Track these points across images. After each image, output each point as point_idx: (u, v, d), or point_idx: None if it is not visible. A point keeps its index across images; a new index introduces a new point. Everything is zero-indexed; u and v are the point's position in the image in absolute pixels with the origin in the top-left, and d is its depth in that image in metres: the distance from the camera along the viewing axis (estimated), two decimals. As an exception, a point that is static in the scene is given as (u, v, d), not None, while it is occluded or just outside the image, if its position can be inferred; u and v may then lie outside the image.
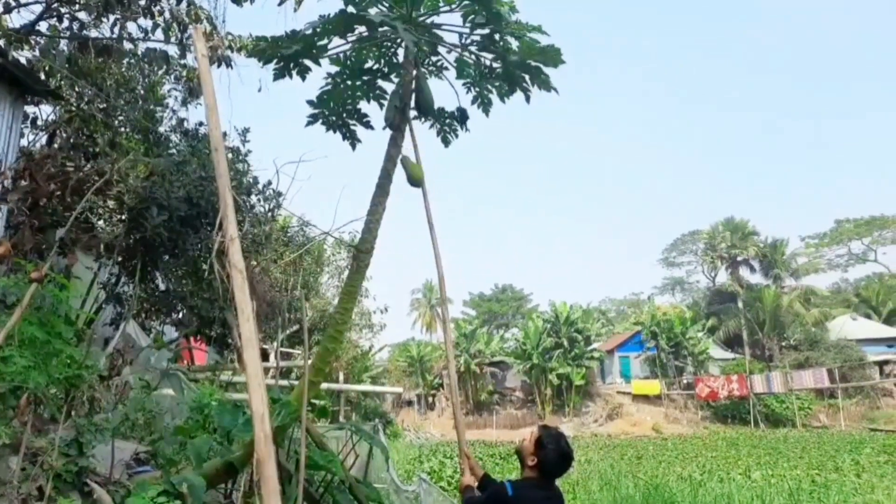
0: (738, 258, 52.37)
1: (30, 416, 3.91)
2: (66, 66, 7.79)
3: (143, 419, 5.44)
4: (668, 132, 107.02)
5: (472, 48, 3.92)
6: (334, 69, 4.06)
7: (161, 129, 9.20)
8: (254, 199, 9.56)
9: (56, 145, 6.25)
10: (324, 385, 15.10)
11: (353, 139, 4.36)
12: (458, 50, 3.97)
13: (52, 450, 3.74)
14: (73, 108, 7.42)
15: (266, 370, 15.01)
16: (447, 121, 4.35)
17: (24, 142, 7.79)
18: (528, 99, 3.92)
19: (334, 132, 4.28)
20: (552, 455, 3.10)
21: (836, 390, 36.92)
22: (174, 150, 8.82)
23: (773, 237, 52.07)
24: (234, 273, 1.35)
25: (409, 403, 47.29)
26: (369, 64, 4.14)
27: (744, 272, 52.72)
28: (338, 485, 4.39)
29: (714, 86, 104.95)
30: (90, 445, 4.15)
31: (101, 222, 8.12)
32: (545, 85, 3.81)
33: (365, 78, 4.16)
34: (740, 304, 48.98)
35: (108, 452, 4.42)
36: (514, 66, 3.76)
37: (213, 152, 1.55)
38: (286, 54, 3.79)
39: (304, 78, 3.96)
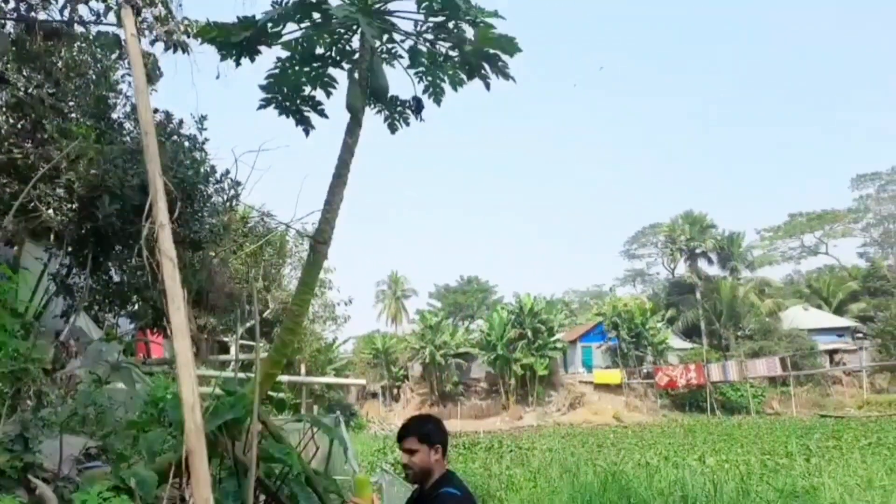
0: (697, 250, 53.69)
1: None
2: (13, 49, 7.47)
3: (94, 413, 5.30)
4: (629, 126, 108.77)
5: (428, 35, 3.90)
6: (285, 54, 4.00)
7: (114, 116, 8.92)
8: (211, 188, 9.37)
9: None
10: (285, 378, 14.93)
11: (306, 125, 4.31)
12: (414, 38, 3.94)
13: (-6, 446, 3.61)
14: (20, 93, 7.14)
15: (227, 363, 14.79)
16: (398, 108, 4.33)
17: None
18: (487, 87, 3.92)
19: (287, 117, 4.22)
20: (442, 432, 2.88)
21: (788, 378, 38.21)
22: (128, 138, 8.56)
23: (731, 230, 53.61)
24: (164, 261, 1.31)
25: (374, 395, 47.23)
26: (319, 51, 4.09)
27: (702, 264, 54.15)
28: (295, 477, 4.35)
29: (676, 81, 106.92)
30: (36, 440, 4.02)
31: (50, 211, 7.84)
32: (503, 73, 3.82)
33: (315, 65, 4.10)
34: (698, 296, 50.26)
35: (57, 448, 4.29)
36: (471, 54, 3.76)
37: (143, 136, 1.50)
38: (236, 41, 3.72)
39: (252, 60, 3.90)
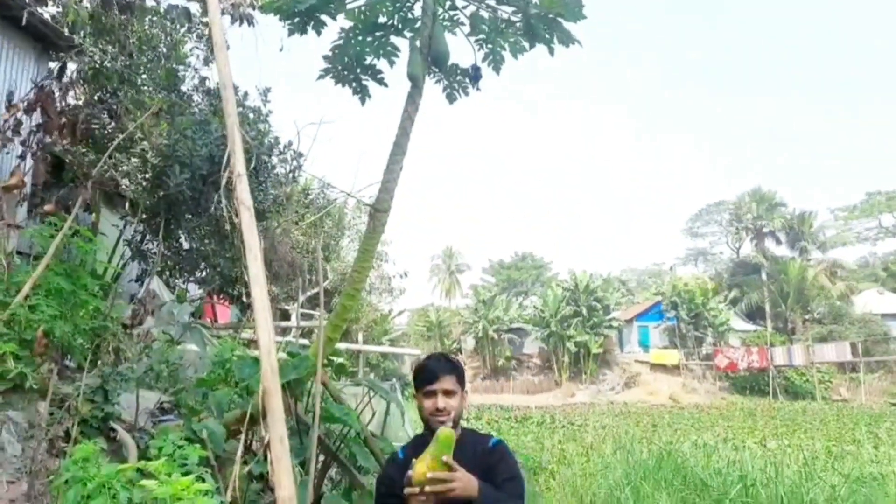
0: (764, 230, 51.59)
1: (55, 358, 4.04)
2: (90, 22, 7.80)
3: (167, 371, 5.61)
4: (697, 100, 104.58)
5: (490, 1, 3.85)
6: (348, 24, 4.02)
7: (183, 88, 9.23)
8: (275, 159, 9.60)
9: (68, 79, 6.32)
10: (343, 345, 15.34)
11: (363, 94, 4.34)
12: (476, 3, 3.90)
13: (77, 396, 3.88)
14: (97, 65, 7.47)
15: (287, 330, 15.30)
16: (458, 77, 4.30)
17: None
18: (551, 52, 3.84)
19: (343, 86, 4.26)
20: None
21: (858, 364, 36.55)
22: (196, 110, 8.85)
23: (801, 209, 51.13)
24: (241, 210, 1.36)
25: (428, 367, 47.88)
26: (382, 19, 4.09)
27: (769, 244, 52.01)
28: (354, 437, 4.50)
29: (747, 54, 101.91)
30: (115, 393, 4.29)
31: (125, 180, 8.23)
32: (566, 39, 3.73)
33: (377, 34, 4.11)
34: (764, 276, 48.41)
35: (133, 401, 4.57)
36: (535, 18, 3.69)
37: (221, 89, 1.55)
38: (301, 9, 3.76)
39: (319, 33, 3.94)
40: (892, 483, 7.12)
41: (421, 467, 1.97)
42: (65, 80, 6.39)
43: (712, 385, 40.72)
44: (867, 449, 12.41)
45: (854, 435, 16.22)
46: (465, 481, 1.98)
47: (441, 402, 2.28)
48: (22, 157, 5.85)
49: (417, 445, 2.29)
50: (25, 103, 5.59)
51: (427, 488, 1.93)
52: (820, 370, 37.83)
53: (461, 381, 2.40)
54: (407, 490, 1.96)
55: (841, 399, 36.34)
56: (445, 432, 2.02)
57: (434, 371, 2.35)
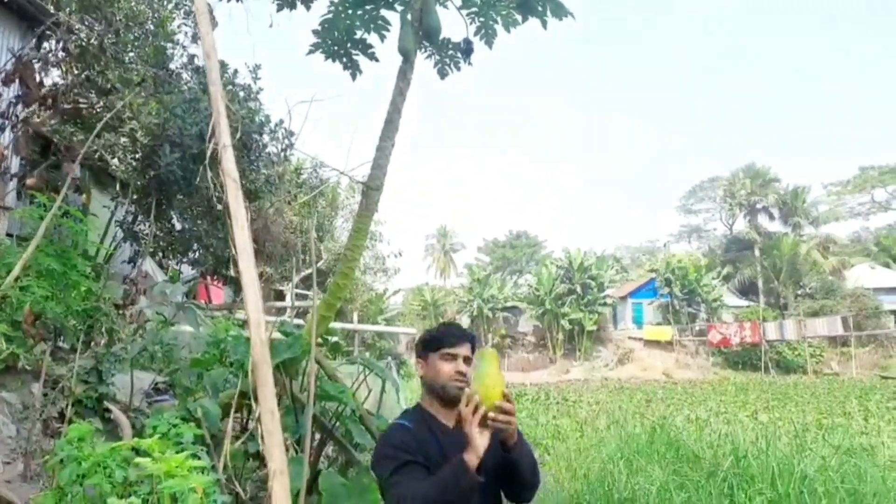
0: (758, 206, 51.62)
1: (48, 338, 4.02)
2: (74, -1, 7.64)
3: (162, 352, 5.60)
4: (690, 77, 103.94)
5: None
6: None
7: (172, 66, 9.09)
8: (266, 138, 9.51)
9: (53, 56, 6.17)
10: (338, 325, 15.37)
11: (353, 69, 4.28)
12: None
13: (71, 377, 3.87)
14: (84, 43, 7.33)
15: (282, 310, 15.30)
16: (450, 52, 4.24)
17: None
18: (544, 25, 3.78)
19: (334, 61, 4.19)
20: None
21: (849, 338, 36.92)
22: (186, 88, 8.73)
23: (795, 185, 51.17)
24: (227, 181, 1.34)
25: (423, 346, 48.10)
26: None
27: (762, 220, 52.07)
28: (349, 415, 4.51)
29: (739, 31, 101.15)
30: (109, 374, 4.29)
31: (115, 160, 8.14)
32: (559, 11, 3.67)
33: (368, 7, 4.04)
34: (757, 252, 48.61)
35: (128, 382, 4.57)
36: (527, -10, 3.63)
37: (205, 59, 1.51)
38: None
39: (308, 7, 3.87)
40: (882, 454, 7.23)
41: (494, 388, 1.79)
42: (50, 57, 6.25)
43: (705, 360, 41.09)
44: (857, 421, 12.60)
45: (845, 408, 16.45)
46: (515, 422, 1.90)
47: (462, 366, 2.14)
48: (1, 128, 5.74)
49: (423, 419, 2.17)
50: (3, 74, 5.46)
51: (491, 415, 1.78)
52: (811, 344, 38.21)
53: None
54: (466, 410, 1.80)
55: (832, 373, 36.79)
56: (489, 349, 1.90)
57: (456, 335, 2.23)
